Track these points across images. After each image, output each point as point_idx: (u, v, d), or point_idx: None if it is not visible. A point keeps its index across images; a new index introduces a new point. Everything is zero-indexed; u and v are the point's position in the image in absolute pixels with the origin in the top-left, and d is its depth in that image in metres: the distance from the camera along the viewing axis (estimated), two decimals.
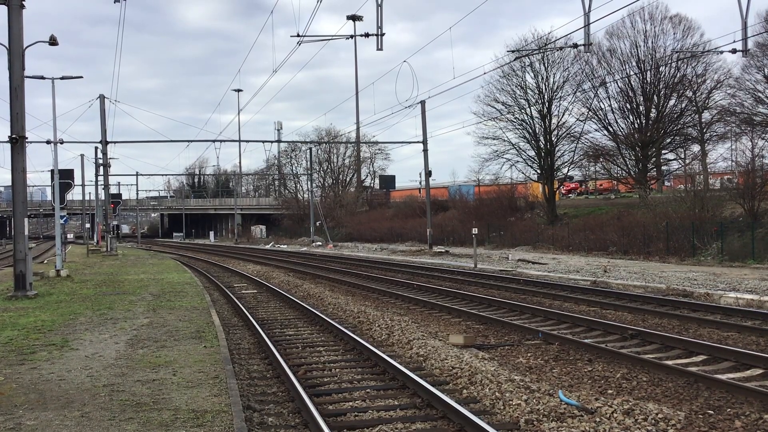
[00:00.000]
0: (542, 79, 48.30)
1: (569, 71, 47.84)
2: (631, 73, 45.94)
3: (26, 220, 20.41)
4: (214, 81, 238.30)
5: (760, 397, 8.59)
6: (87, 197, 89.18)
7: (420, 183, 74.00)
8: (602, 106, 47.87)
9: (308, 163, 78.27)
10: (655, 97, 46.48)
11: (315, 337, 13.99)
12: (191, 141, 52.38)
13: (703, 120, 46.59)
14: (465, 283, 24.26)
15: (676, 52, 44.19)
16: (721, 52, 37.28)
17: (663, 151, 49.03)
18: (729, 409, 8.36)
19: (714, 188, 38.39)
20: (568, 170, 53.09)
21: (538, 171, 50.83)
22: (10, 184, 22.57)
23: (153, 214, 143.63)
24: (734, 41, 27.47)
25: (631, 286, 20.83)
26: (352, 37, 66.57)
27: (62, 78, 34.58)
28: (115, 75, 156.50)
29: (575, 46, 30.27)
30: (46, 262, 42.61)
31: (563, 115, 49.32)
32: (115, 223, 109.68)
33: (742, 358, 10.70)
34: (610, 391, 9.28)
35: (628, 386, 9.58)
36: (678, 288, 19.45)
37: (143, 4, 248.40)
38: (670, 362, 10.73)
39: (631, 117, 47.43)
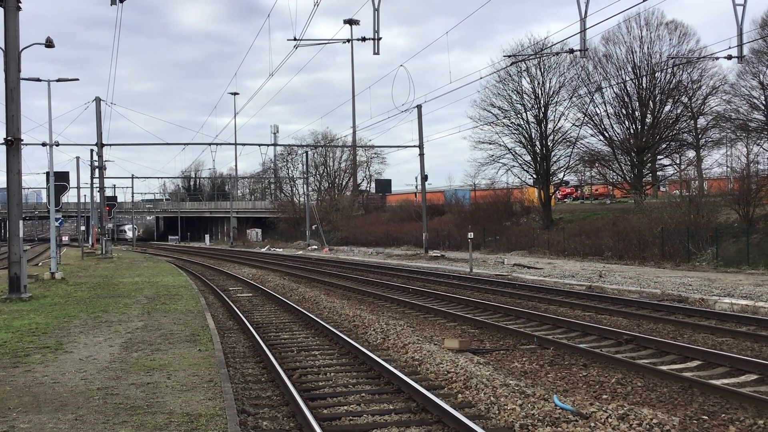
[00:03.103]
0: (538, 84, 48.41)
1: (565, 76, 47.98)
2: (627, 78, 46.05)
3: (21, 222, 20.37)
4: (211, 84, 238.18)
5: (755, 402, 8.61)
6: (82, 200, 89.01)
7: (416, 187, 74.17)
8: (598, 112, 47.98)
9: (304, 166, 78.34)
10: (650, 102, 46.57)
11: (310, 340, 13.97)
12: (187, 144, 52.36)
13: (698, 126, 46.69)
14: (460, 288, 24.27)
15: (672, 58, 44.30)
16: (717, 58, 37.42)
17: (658, 157, 49.11)
18: (723, 415, 8.37)
19: (709, 194, 38.46)
20: (564, 175, 53.23)
21: (534, 176, 50.90)
22: (5, 186, 22.49)
23: (148, 217, 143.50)
24: (730, 47, 27.65)
25: (626, 291, 20.85)
26: (348, 41, 66.89)
27: (58, 80, 34.49)
28: (111, 77, 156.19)
29: (571, 51, 30.39)
30: (40, 264, 42.52)
31: (559, 120, 49.45)
32: (129, 225, 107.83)
33: (736, 363, 10.72)
34: (605, 396, 9.28)
35: (623, 391, 9.58)
36: (673, 293, 19.47)
37: (139, 7, 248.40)
38: (664, 367, 10.74)
39: (626, 122, 47.52)
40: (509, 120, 49.99)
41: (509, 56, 45.25)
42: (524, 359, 11.84)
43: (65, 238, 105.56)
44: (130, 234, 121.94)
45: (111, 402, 8.35)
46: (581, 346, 12.44)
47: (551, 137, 49.33)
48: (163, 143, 79.56)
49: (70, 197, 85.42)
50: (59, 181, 33.33)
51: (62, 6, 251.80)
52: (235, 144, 73.69)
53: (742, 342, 12.98)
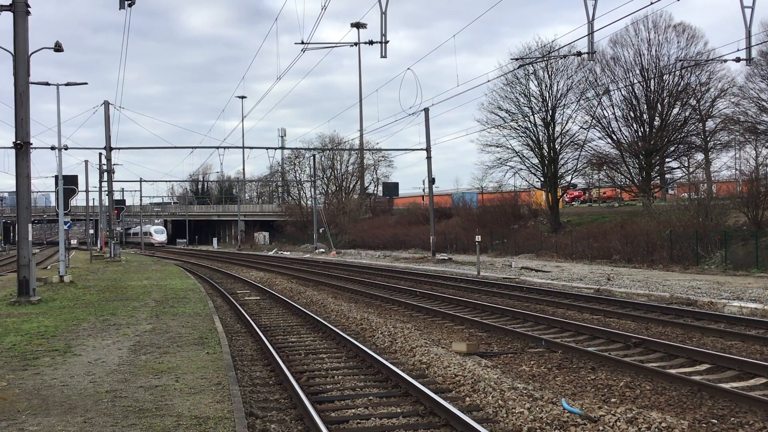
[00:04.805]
0: (546, 87, 48.37)
1: (573, 79, 47.93)
2: (635, 81, 45.95)
3: (30, 225, 20.45)
4: (218, 88, 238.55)
5: (764, 406, 8.57)
6: (91, 203, 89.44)
7: (423, 190, 74.11)
8: (606, 114, 47.92)
9: (312, 170, 78.42)
10: (658, 105, 46.45)
11: (318, 344, 13.98)
12: (195, 147, 52.14)
13: (706, 128, 46.57)
14: (468, 291, 24.24)
15: (680, 60, 44.17)
16: (725, 61, 37.25)
17: (666, 160, 48.98)
18: (733, 419, 8.34)
19: (718, 196, 38.33)
20: (572, 178, 53.12)
21: (542, 179, 50.83)
22: (14, 189, 22.60)
23: (156, 221, 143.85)
24: (738, 50, 27.49)
25: (634, 295, 20.78)
26: (356, 44, 66.97)
27: (67, 84, 34.65)
28: (119, 81, 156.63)
29: (579, 54, 30.35)
30: (49, 267, 42.68)
31: (567, 123, 49.40)
32: (156, 226, 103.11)
33: (746, 367, 10.67)
34: (613, 400, 9.26)
35: (631, 395, 9.55)
36: (682, 296, 19.41)
37: (147, 11, 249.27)
38: (673, 371, 10.70)
39: (634, 125, 47.43)
40: (517, 123, 49.99)
41: (517, 59, 45.26)
42: (532, 362, 11.81)
43: (74, 242, 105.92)
44: (159, 237, 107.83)
45: (119, 405, 8.37)
46: (589, 349, 12.41)
47: (559, 140, 49.28)
48: (171, 147, 79.70)
49: (78, 201, 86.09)
50: (68, 184, 33.44)
51: (68, 10, 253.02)
52: (243, 147, 73.95)
53: (751, 345, 12.93)
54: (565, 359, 11.99)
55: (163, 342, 12.93)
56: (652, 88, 46.14)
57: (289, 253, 66.36)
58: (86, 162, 73.42)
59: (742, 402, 8.88)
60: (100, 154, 56.14)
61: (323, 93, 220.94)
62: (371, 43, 28.38)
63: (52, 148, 39.64)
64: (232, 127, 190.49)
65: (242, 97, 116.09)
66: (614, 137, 47.99)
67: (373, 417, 8.52)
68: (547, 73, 48.03)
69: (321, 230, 69.73)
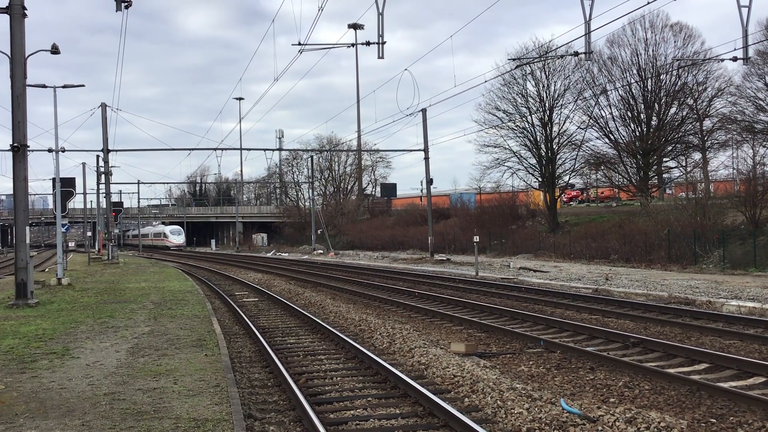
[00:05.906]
0: (543, 87, 48.32)
1: (570, 79, 47.87)
2: (632, 81, 45.96)
3: (28, 228, 20.41)
4: (216, 89, 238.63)
5: (763, 405, 8.57)
6: (88, 205, 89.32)
7: (421, 191, 74.10)
8: (603, 114, 47.89)
9: (309, 171, 78.37)
10: (656, 104, 46.48)
11: (316, 345, 13.97)
12: (193, 149, 52.16)
13: (704, 128, 46.58)
14: (466, 291, 24.23)
15: (677, 60, 44.21)
16: (722, 60, 37.27)
17: (664, 159, 48.99)
18: (732, 418, 8.34)
19: (715, 196, 38.36)
20: (570, 178, 53.10)
21: (540, 179, 50.80)
22: (11, 192, 22.57)
23: (154, 222, 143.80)
24: (735, 49, 27.51)
25: (633, 294, 20.79)
26: (353, 45, 66.93)
27: (64, 86, 34.64)
28: (116, 83, 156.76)
29: (576, 54, 30.40)
30: (47, 270, 42.60)
31: (564, 123, 49.34)
32: (172, 226, 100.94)
33: (744, 366, 10.68)
34: (612, 400, 9.25)
35: (630, 394, 9.55)
36: (680, 296, 19.41)
37: (143, 13, 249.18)
38: (672, 370, 10.71)
39: (632, 125, 47.45)
40: (514, 123, 49.93)
41: (514, 59, 45.27)
42: (531, 363, 11.81)
43: (72, 244, 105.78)
44: (175, 239, 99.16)
45: (118, 407, 8.36)
46: (588, 349, 12.41)
47: (556, 140, 49.23)
48: (168, 149, 79.35)
49: (76, 203, 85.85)
50: (65, 187, 33.36)
51: (65, 12, 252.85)
52: (241, 149, 73.70)
53: (749, 344, 12.94)
54: (563, 359, 11.99)
55: (161, 344, 12.91)
56: (650, 87, 46.17)
57: (287, 254, 66.33)
58: (84, 164, 73.44)
59: (741, 401, 8.88)
60: (98, 156, 56.06)
61: (321, 94, 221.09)
62: (368, 44, 28.38)
63: (50, 150, 39.62)
64: (229, 128, 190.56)
65: (240, 99, 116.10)
66: (612, 137, 48.02)
67: (372, 418, 8.51)
68: (545, 74, 48.01)
69: (319, 231, 69.69)
